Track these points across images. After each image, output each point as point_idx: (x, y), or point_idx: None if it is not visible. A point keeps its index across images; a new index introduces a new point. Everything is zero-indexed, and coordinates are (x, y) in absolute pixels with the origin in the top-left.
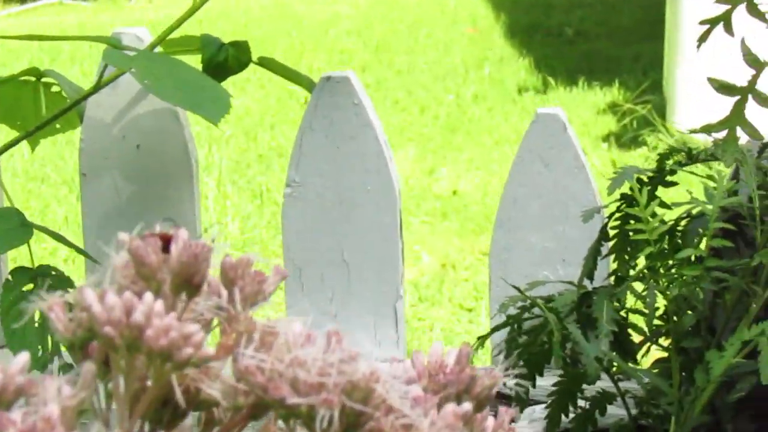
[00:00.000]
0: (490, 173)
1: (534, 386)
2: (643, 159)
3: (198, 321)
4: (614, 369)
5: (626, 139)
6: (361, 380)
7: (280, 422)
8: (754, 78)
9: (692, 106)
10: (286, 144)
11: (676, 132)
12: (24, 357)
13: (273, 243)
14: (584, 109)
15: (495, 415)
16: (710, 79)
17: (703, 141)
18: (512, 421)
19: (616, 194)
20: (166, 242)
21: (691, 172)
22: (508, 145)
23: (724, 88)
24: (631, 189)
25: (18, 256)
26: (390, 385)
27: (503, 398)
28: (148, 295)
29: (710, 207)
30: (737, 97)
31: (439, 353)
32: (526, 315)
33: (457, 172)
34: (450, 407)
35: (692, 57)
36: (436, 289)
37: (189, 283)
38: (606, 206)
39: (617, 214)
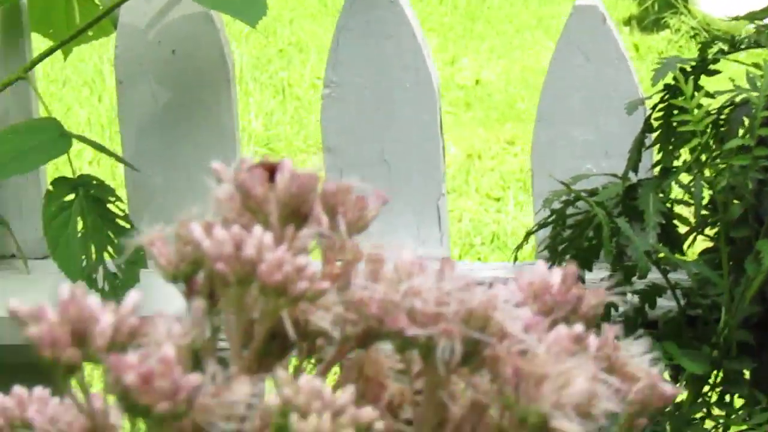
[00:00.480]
0: (512, 61)
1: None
2: (666, 42)
3: (302, 251)
4: (662, 261)
5: (648, 22)
6: (479, 308)
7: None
8: None
9: None
10: (305, 38)
11: (698, 14)
12: (135, 296)
13: (297, 138)
14: None
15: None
16: None
17: (726, 24)
18: (616, 337)
19: (659, 85)
20: (270, 172)
21: (736, 60)
22: (529, 32)
23: None
24: (674, 79)
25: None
26: (507, 312)
27: None
28: (258, 229)
29: (756, 95)
30: None
31: (543, 273)
32: (570, 210)
33: (479, 62)
34: (563, 330)
35: None
36: (463, 179)
37: (296, 214)
38: (649, 97)
39: (660, 105)
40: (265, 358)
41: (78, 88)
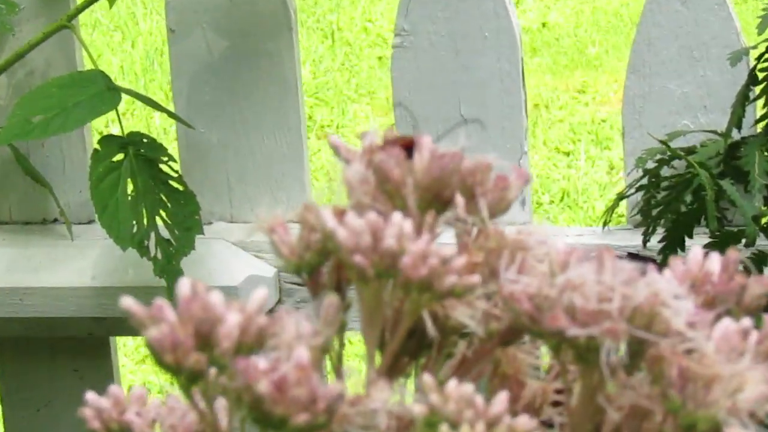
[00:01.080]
0: (581, 1)
1: (684, 249)
2: None
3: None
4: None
5: None
6: (645, 304)
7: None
8: None
9: None
10: None
11: None
12: (262, 293)
13: (348, 87)
14: None
15: None
16: None
17: None
18: None
19: (765, 33)
20: (407, 149)
21: None
22: None
23: None
24: None
25: None
26: (673, 306)
27: (642, 261)
28: (397, 216)
29: None
30: None
31: (700, 259)
32: (665, 170)
33: (546, 2)
34: (730, 326)
35: None
36: (529, 131)
37: (437, 198)
38: (754, 47)
39: (767, 55)
40: (401, 358)
41: (109, 33)
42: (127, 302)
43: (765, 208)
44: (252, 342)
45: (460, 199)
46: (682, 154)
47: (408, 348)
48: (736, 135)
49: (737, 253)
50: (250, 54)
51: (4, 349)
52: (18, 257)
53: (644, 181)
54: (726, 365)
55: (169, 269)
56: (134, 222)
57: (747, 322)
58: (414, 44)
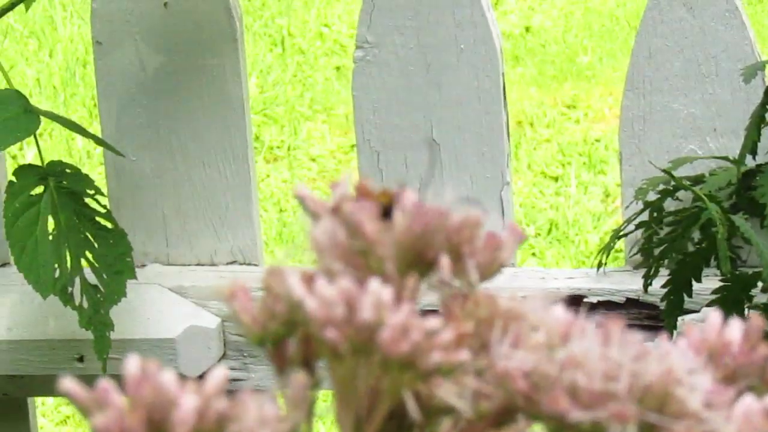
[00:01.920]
0: (571, 1)
1: (690, 295)
2: None
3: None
4: None
5: None
6: (657, 383)
7: None
8: None
9: None
10: None
11: None
12: (222, 372)
13: (301, 102)
14: None
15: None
16: None
17: None
18: None
19: None
20: (385, 203)
21: None
22: None
23: None
24: None
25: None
26: (689, 384)
27: (643, 307)
28: (375, 283)
29: None
30: None
31: (718, 327)
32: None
33: (529, 2)
34: (753, 404)
35: None
36: (512, 154)
37: (419, 259)
38: None
39: None
40: None
41: (23, 40)
42: (67, 385)
43: None
44: (210, 428)
45: (445, 261)
46: (689, 184)
47: (388, 430)
48: (750, 162)
49: (761, 319)
50: (189, 69)
51: None
52: None
53: (645, 215)
54: None
55: (97, 320)
56: (56, 265)
57: None
58: (378, 58)
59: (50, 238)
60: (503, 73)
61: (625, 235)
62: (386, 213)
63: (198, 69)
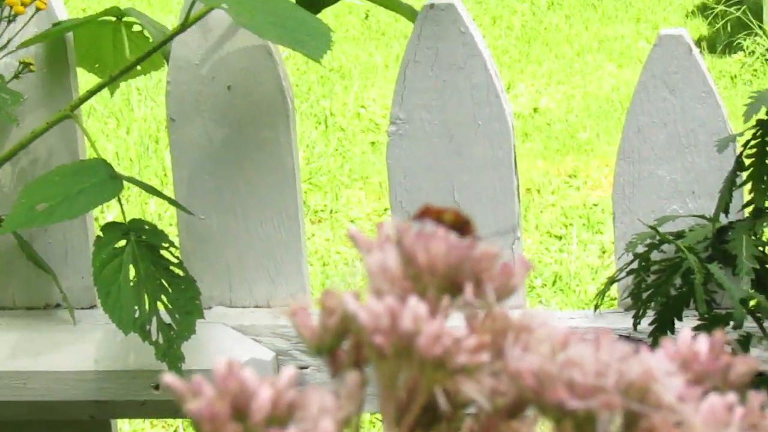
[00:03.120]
0: (572, 87)
1: (673, 332)
2: (739, 65)
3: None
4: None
5: (720, 44)
6: (638, 380)
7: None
8: None
9: None
10: (347, 64)
11: None
12: (292, 371)
13: (341, 172)
14: (671, 12)
15: None
16: None
17: None
18: (762, 407)
19: (751, 121)
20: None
21: None
22: (591, 55)
23: None
24: None
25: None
26: (664, 382)
27: (634, 342)
28: (413, 300)
29: None
30: None
31: (689, 340)
32: (655, 254)
33: (537, 87)
34: (717, 401)
35: None
36: (522, 215)
37: (452, 284)
38: (741, 134)
39: (753, 142)
40: (415, 431)
41: (104, 119)
42: (168, 378)
43: (752, 291)
44: (282, 414)
45: (469, 286)
46: (671, 238)
47: (421, 421)
48: (723, 219)
49: (724, 334)
50: (249, 141)
51: None
52: (21, 341)
53: (635, 264)
54: None
55: (171, 353)
56: (136, 307)
57: (732, 397)
58: (409, 132)
59: (131, 284)
60: (514, 146)
61: (618, 281)
62: (451, 229)
63: (256, 141)
